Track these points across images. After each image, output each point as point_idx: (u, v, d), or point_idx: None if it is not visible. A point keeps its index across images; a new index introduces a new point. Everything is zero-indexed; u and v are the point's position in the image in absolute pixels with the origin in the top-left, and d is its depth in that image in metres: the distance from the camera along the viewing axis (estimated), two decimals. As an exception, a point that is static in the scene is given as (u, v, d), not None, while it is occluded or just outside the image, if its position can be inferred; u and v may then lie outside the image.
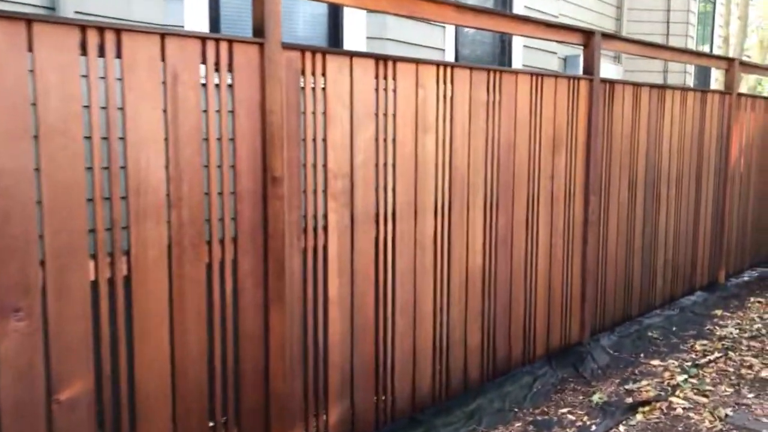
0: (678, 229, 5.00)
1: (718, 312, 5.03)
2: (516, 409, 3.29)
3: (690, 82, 9.88)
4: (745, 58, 14.04)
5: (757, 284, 5.97)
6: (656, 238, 4.74)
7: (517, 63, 5.82)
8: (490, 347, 3.40)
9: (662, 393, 3.49)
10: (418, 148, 2.92)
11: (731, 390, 3.54)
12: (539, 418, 3.22)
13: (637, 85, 4.37)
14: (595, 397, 3.42)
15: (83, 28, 1.86)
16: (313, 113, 2.49)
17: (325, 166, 2.56)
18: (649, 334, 4.45)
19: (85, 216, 1.89)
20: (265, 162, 2.32)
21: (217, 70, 2.19)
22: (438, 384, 3.13)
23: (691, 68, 9.81)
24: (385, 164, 2.78)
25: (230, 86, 2.23)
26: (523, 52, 5.87)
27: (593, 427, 3.11)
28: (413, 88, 2.87)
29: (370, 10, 3.26)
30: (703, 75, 10.68)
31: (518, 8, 5.78)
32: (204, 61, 2.16)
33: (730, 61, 5.66)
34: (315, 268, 2.55)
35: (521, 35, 3.59)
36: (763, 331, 4.56)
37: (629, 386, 3.58)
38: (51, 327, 1.85)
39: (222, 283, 2.26)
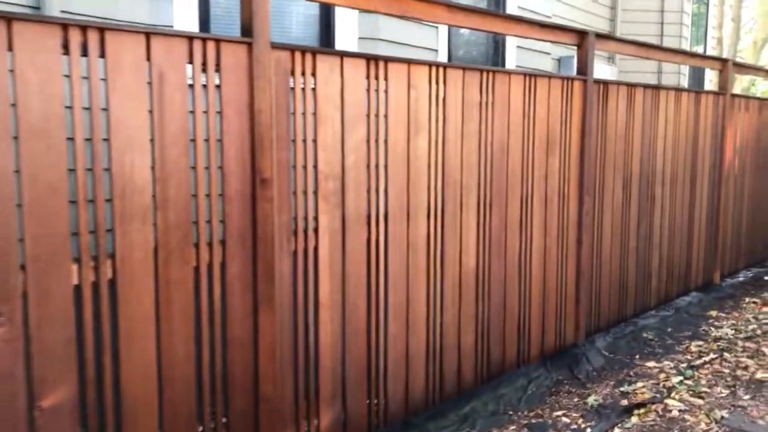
0: (673, 230, 4.98)
1: (713, 313, 5.01)
2: (510, 412, 3.26)
3: (684, 83, 9.88)
4: (738, 59, 14.07)
5: (752, 285, 5.96)
6: (651, 239, 4.72)
7: (510, 64, 5.80)
8: (484, 349, 3.37)
9: (657, 395, 3.46)
10: (410, 149, 2.89)
11: (727, 392, 3.52)
12: (534, 421, 3.19)
13: (631, 86, 4.35)
14: (590, 400, 3.40)
15: (65, 26, 1.82)
16: (303, 114, 2.46)
17: (315, 167, 2.52)
18: (644, 335, 4.43)
19: (68, 219, 1.85)
20: (253, 163, 2.28)
21: (204, 70, 2.16)
22: (431, 387, 3.10)
23: (685, 69, 9.82)
24: (377, 165, 2.75)
25: (218, 87, 2.19)
26: (516, 52, 5.85)
27: (588, 430, 3.08)
28: (405, 88, 2.84)
29: (362, 10, 3.23)
30: (697, 76, 10.70)
31: (511, 8, 5.76)
32: (191, 61, 2.12)
33: (723, 61, 5.65)
34: (305, 271, 2.52)
35: (514, 35, 3.56)
36: (758, 332, 4.54)
37: (624, 388, 3.56)
38: (32, 333, 1.81)
39: (210, 286, 2.22)
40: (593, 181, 4.02)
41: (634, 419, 3.19)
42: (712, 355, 4.07)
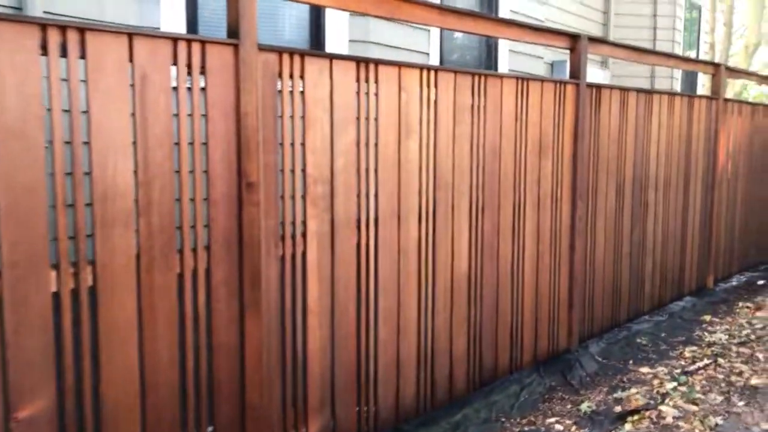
0: (666, 234, 4.96)
1: (707, 317, 4.98)
2: (503, 419, 3.22)
3: (677, 87, 9.90)
4: (730, 64, 14.12)
5: (746, 289, 5.94)
6: (644, 243, 4.69)
7: (503, 67, 5.78)
8: (476, 355, 3.33)
9: (651, 401, 3.43)
10: (401, 152, 2.85)
11: (721, 398, 3.49)
12: (526, 428, 3.14)
13: (624, 90, 4.33)
14: (584, 406, 3.36)
15: (44, 27, 1.77)
16: (292, 117, 2.42)
17: (304, 170, 2.48)
18: (638, 340, 4.39)
19: (46, 224, 1.80)
20: (240, 167, 2.24)
21: (189, 72, 2.11)
22: (423, 394, 3.05)
23: (678, 74, 9.84)
24: (367, 169, 2.71)
25: (203, 89, 2.15)
26: (509, 56, 5.83)
27: (581, 438, 3.04)
28: (396, 91, 2.80)
29: (351, 12, 3.20)
30: (689, 81, 10.72)
31: (504, 12, 5.74)
32: (175, 63, 2.08)
33: (716, 66, 5.65)
34: (293, 277, 2.47)
35: (506, 39, 3.53)
36: (753, 337, 4.52)
37: (618, 394, 3.52)
38: (8, 341, 1.76)
39: (195, 293, 2.17)
40: (586, 186, 3.99)
41: (628, 426, 3.15)
42: (706, 361, 4.04)
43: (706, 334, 4.61)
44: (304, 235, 2.50)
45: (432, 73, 2.96)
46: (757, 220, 6.56)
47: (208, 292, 2.20)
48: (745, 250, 6.36)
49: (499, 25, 3.40)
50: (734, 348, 4.29)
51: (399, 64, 2.81)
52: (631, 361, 4.04)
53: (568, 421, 3.21)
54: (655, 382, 3.71)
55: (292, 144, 2.43)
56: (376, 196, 2.76)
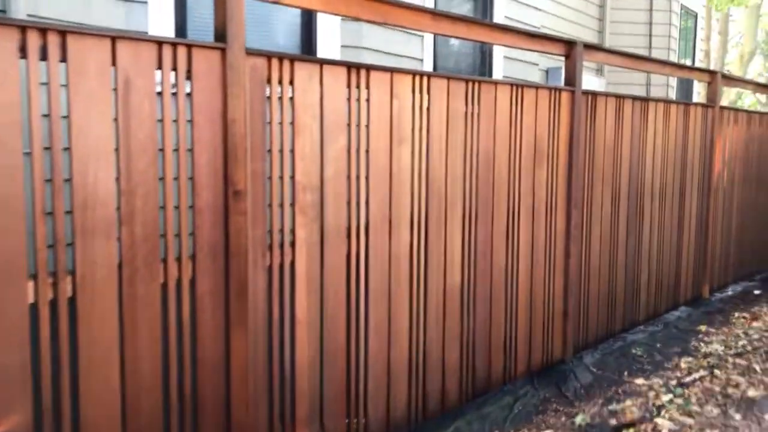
0: (662, 243, 4.92)
1: (703, 327, 4.94)
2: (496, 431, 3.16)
3: (672, 95, 9.90)
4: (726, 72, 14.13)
5: (741, 299, 5.90)
6: (640, 253, 4.65)
7: (497, 74, 5.74)
8: (469, 366, 3.27)
9: (647, 414, 3.37)
10: (392, 159, 2.80)
11: (717, 410, 3.43)
12: (520, 441, 3.08)
13: (619, 97, 4.30)
14: (578, 419, 3.30)
15: (23, 28, 1.72)
16: (281, 123, 2.36)
17: (293, 178, 2.42)
18: (633, 351, 4.34)
19: (23, 232, 1.74)
20: (226, 174, 2.18)
21: (174, 76, 2.06)
22: (414, 406, 2.99)
23: (673, 81, 9.84)
24: (358, 176, 2.66)
25: (189, 94, 2.09)
26: (503, 63, 5.80)
27: (576, 451, 2.98)
28: (388, 97, 2.75)
29: (343, 16, 3.15)
30: (685, 89, 10.72)
31: (499, 19, 5.71)
32: (160, 67, 2.02)
33: (712, 73, 5.62)
34: (281, 287, 2.41)
35: (501, 45, 3.49)
36: (749, 348, 4.47)
37: (613, 406, 3.46)
38: (-18, 354, 1.69)
39: (179, 304, 2.11)
40: (581, 194, 3.95)
41: (623, 439, 3.09)
42: (702, 372, 3.98)
43: (702, 344, 4.56)
44: (292, 244, 2.44)
45: (425, 79, 2.92)
46: (753, 229, 6.53)
47: (193, 303, 2.14)
48: (741, 259, 6.32)
49: (493, 30, 3.36)
50: (730, 359, 4.24)
51: (391, 70, 2.76)
52: (626, 372, 3.99)
53: (562, 434, 3.15)
54: (651, 393, 3.65)
55: (281, 151, 2.37)
56: (367, 204, 2.70)
